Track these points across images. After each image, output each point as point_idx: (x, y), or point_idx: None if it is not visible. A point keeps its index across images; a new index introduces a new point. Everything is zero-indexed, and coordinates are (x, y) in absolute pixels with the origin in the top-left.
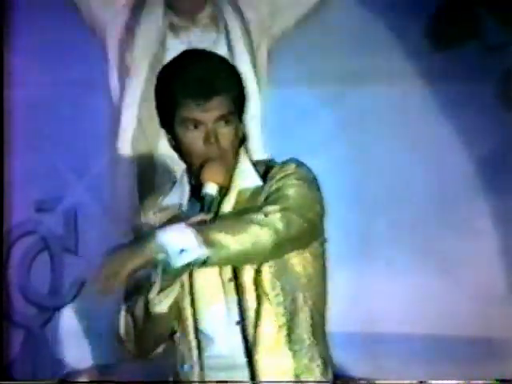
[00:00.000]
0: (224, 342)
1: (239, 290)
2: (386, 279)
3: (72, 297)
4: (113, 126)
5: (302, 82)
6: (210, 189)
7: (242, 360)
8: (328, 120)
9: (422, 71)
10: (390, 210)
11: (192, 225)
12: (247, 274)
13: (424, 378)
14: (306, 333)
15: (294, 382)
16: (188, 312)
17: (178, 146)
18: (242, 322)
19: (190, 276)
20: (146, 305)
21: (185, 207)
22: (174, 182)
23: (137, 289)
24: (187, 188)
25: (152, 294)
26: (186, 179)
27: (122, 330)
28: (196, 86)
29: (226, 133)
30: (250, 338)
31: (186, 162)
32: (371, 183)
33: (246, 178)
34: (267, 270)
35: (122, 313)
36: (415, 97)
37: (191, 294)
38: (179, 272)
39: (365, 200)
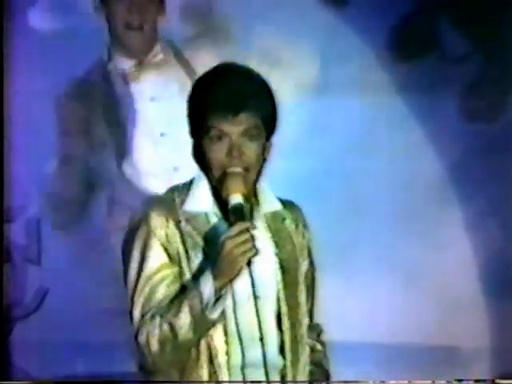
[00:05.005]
0: None
1: None
2: (350, 289)
3: (35, 307)
4: None
5: None
6: (236, 199)
7: None
8: (292, 130)
9: (384, 82)
10: (353, 219)
11: (231, 237)
12: None
13: None
14: None
15: (294, 382)
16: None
17: (201, 156)
18: None
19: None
20: (200, 310)
21: (212, 217)
22: (183, 187)
23: (178, 295)
24: (208, 194)
25: (208, 296)
26: (206, 185)
27: (154, 341)
28: (227, 98)
29: (250, 148)
30: None
31: (205, 172)
32: (335, 192)
33: (270, 201)
34: None
35: (157, 321)
36: (378, 107)
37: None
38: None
39: (328, 209)
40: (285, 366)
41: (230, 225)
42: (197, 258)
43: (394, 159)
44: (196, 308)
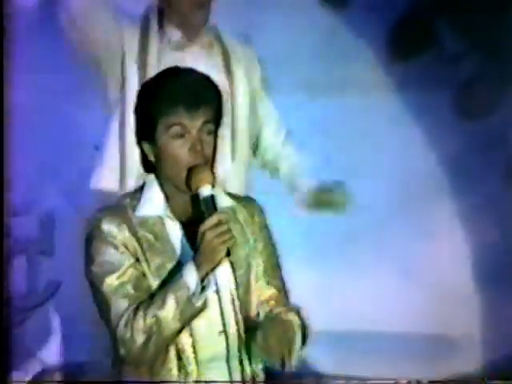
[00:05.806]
0: None
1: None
2: (346, 279)
3: (47, 298)
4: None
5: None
6: (206, 191)
7: None
8: (292, 128)
9: (383, 80)
10: (351, 212)
11: (210, 228)
12: None
13: (383, 375)
14: None
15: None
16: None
17: (159, 155)
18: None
19: None
20: (186, 299)
21: (166, 217)
22: (134, 193)
23: (159, 290)
24: (161, 197)
25: (194, 285)
26: (157, 188)
27: (139, 335)
28: (187, 93)
29: (209, 142)
30: None
31: (163, 171)
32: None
33: (221, 197)
34: None
35: (141, 315)
36: (377, 105)
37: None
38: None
39: None
40: (242, 359)
41: (205, 216)
42: (154, 260)
43: (392, 156)
44: (182, 297)
